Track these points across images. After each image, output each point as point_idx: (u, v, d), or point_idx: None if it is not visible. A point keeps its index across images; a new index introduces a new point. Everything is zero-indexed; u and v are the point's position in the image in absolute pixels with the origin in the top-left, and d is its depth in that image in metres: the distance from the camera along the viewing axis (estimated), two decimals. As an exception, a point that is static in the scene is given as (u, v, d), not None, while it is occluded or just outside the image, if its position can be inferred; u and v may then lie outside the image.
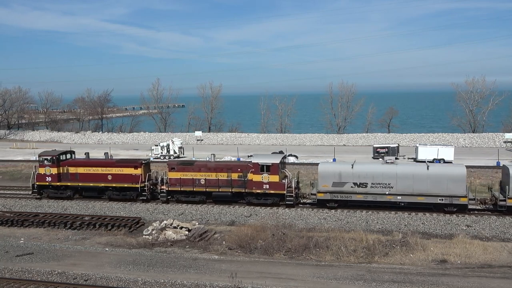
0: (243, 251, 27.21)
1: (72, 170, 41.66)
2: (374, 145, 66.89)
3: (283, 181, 37.02)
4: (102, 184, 40.50)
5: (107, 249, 28.42)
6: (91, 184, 40.80)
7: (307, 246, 26.94)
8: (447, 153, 58.69)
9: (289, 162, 61.72)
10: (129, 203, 40.04)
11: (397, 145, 65.12)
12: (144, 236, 30.73)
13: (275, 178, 36.67)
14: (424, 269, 23.65)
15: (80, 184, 41.22)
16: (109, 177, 40.40)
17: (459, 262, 24.81)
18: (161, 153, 68.97)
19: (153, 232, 30.85)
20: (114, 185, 40.25)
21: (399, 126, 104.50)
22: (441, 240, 28.81)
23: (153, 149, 69.98)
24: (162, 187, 39.33)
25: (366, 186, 35.07)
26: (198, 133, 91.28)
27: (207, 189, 38.14)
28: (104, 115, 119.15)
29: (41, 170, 41.90)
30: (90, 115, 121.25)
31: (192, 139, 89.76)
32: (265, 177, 36.71)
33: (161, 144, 70.11)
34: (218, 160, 42.83)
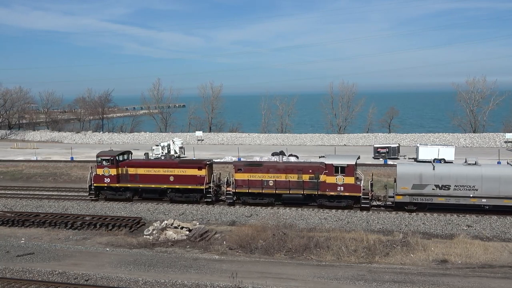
0: (244, 251, 27.21)
1: (131, 171, 40.23)
2: (375, 145, 66.89)
3: (358, 183, 35.77)
4: (165, 186, 39.31)
5: (107, 249, 28.44)
6: (153, 186, 39.65)
7: (307, 246, 26.94)
8: (448, 153, 58.68)
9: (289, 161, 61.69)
10: (130, 203, 40.06)
11: (397, 145, 65.14)
12: (144, 236, 30.75)
13: (350, 180, 35.37)
14: (425, 269, 23.65)
15: (141, 185, 40.02)
16: (171, 178, 39.06)
17: (459, 262, 24.80)
18: (162, 153, 68.88)
19: (154, 232, 30.86)
20: (177, 186, 38.98)
21: (399, 126, 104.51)
22: (441, 240, 28.80)
23: (153, 149, 69.95)
24: (228, 188, 37.95)
25: (448, 189, 33.80)
26: (199, 133, 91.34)
27: (276, 191, 36.85)
28: (104, 115, 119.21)
29: (99, 171, 40.51)
30: (91, 115, 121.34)
31: (193, 139, 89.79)
32: (339, 179, 35.44)
33: (162, 144, 70.12)
34: (287, 161, 40.97)
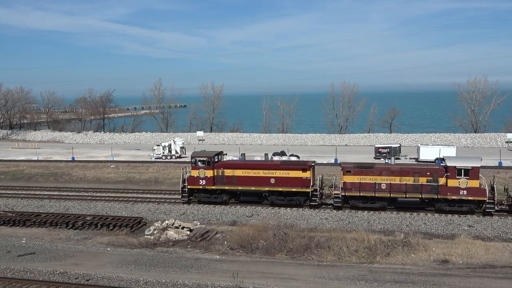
0: (245, 251, 27.20)
1: (228, 172, 37.99)
2: (376, 145, 66.92)
3: (482, 186, 33.75)
4: (266, 188, 37.17)
5: (108, 249, 28.44)
6: (253, 188, 37.47)
7: (308, 246, 26.92)
8: (449, 153, 58.54)
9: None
10: (131, 203, 40.07)
11: (398, 145, 65.13)
12: (145, 236, 30.74)
13: (474, 183, 33.35)
14: (426, 269, 23.62)
15: (239, 188, 37.87)
16: (272, 181, 37.01)
17: (461, 262, 24.77)
18: (163, 153, 69.04)
19: (155, 232, 30.85)
20: (280, 189, 36.86)
21: (400, 126, 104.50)
22: (443, 240, 28.77)
23: (154, 149, 70.07)
24: (336, 192, 36.03)
25: None
26: (200, 133, 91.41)
27: (391, 195, 34.94)
28: (105, 115, 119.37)
29: (194, 173, 38.43)
30: (92, 115, 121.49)
31: (194, 139, 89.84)
32: (462, 182, 33.41)
33: (163, 144, 70.19)
34: (401, 163, 38.60)
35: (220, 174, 38.16)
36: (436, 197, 34.22)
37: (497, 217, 32.96)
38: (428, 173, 34.61)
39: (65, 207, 39.99)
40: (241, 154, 41.89)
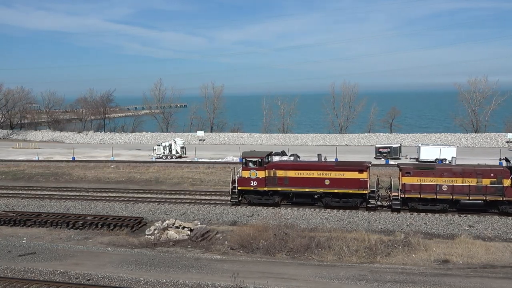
0: (245, 251, 27.20)
1: (280, 173, 36.84)
2: (376, 145, 66.92)
3: None
4: (321, 190, 36.03)
5: (109, 249, 28.45)
6: (307, 190, 36.34)
7: (309, 246, 26.93)
8: (449, 153, 58.58)
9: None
10: (131, 203, 40.08)
11: (399, 145, 65.12)
12: (146, 236, 30.76)
13: None
14: (426, 269, 23.62)
15: (292, 189, 36.73)
16: (327, 182, 35.91)
17: (461, 262, 24.77)
18: (163, 153, 69.05)
19: (155, 232, 30.87)
20: (335, 190, 35.74)
21: (401, 126, 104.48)
22: (443, 240, 28.77)
23: (155, 149, 70.07)
24: (395, 194, 35.12)
25: None
26: (200, 133, 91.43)
27: (453, 197, 33.85)
28: (106, 115, 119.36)
29: (245, 173, 37.30)
30: (93, 115, 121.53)
31: (194, 139, 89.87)
32: None
33: (163, 144, 70.20)
34: (462, 164, 37.77)
35: (272, 175, 37.05)
36: (501, 199, 33.39)
37: (497, 217, 32.95)
38: (492, 175, 33.80)
39: (66, 207, 40.01)
40: (293, 154, 40.72)
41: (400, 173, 35.39)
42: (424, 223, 32.37)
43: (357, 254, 25.69)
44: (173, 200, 40.80)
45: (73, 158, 69.16)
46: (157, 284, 22.15)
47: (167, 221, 32.06)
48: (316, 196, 36.56)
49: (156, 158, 68.21)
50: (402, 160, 61.53)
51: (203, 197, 42.23)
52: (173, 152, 69.18)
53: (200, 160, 65.29)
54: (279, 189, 37.08)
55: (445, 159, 57.96)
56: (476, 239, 28.33)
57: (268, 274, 23.14)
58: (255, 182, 37.13)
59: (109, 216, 35.59)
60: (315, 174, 36.34)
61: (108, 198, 42.21)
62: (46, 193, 46.01)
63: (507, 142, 74.24)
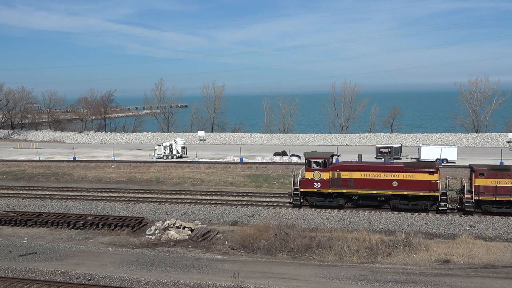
0: (246, 251, 27.21)
1: (345, 175, 35.48)
2: (377, 145, 66.87)
3: None
4: (389, 192, 34.66)
5: (110, 248, 28.47)
6: (374, 192, 35.04)
7: (309, 246, 26.92)
8: (450, 153, 58.64)
9: (292, 162, 61.77)
10: (132, 202, 40.09)
11: (400, 145, 65.08)
12: (147, 236, 30.77)
13: None
14: (427, 269, 23.61)
15: (359, 191, 35.35)
16: (394, 184, 34.54)
17: (462, 262, 24.75)
18: (164, 153, 69.07)
19: (156, 232, 30.88)
20: (404, 193, 34.38)
21: (402, 126, 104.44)
22: (444, 240, 28.75)
23: (156, 149, 70.08)
24: (468, 196, 33.85)
25: None
26: (201, 133, 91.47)
27: None
28: (107, 115, 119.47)
29: (308, 175, 35.85)
30: (93, 115, 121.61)
31: (195, 139, 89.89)
32: None
33: (164, 144, 70.21)
34: None
35: (336, 176, 35.62)
36: None
37: (498, 217, 32.91)
38: None
39: (67, 207, 40.02)
40: (358, 155, 39.22)
41: (473, 174, 33.99)
42: (425, 223, 32.34)
43: (358, 254, 25.68)
44: (174, 200, 40.81)
45: (74, 158, 69.20)
46: (158, 284, 22.15)
47: (167, 221, 32.07)
48: (382, 199, 35.44)
49: (156, 158, 68.22)
50: (403, 160, 61.51)
51: (203, 197, 42.23)
52: (174, 152, 69.19)
53: (200, 160, 65.29)
54: (344, 191, 35.64)
55: (446, 159, 57.95)
56: (477, 239, 28.30)
57: (269, 274, 23.14)
58: (318, 183, 35.73)
59: (110, 216, 35.60)
60: (382, 175, 35.03)
61: (108, 198, 42.22)
62: (47, 193, 46.03)
63: (508, 142, 74.20)
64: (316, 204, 36.25)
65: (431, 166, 35.44)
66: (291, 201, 37.22)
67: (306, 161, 36.61)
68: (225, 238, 29.81)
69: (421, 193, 34.21)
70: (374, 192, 35.14)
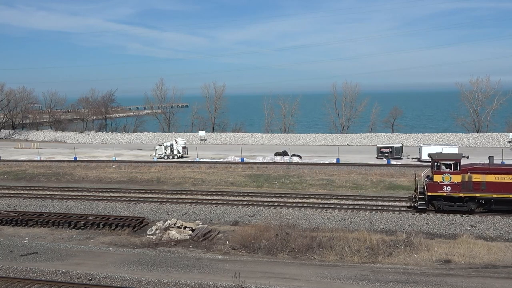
0: (247, 251, 27.20)
1: (476, 177, 33.16)
2: (378, 145, 66.90)
3: None
4: None
5: (111, 248, 28.47)
6: (511, 196, 32.62)
7: (310, 246, 26.91)
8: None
9: (293, 162, 61.76)
10: (133, 202, 40.09)
11: (401, 145, 65.10)
12: (148, 236, 30.77)
13: None
14: (428, 269, 23.59)
15: (493, 195, 32.83)
16: None
17: (463, 262, 24.73)
18: (165, 153, 69.11)
19: (157, 231, 30.88)
20: None
21: (403, 126, 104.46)
22: (445, 240, 28.71)
23: (156, 149, 70.14)
24: None
25: None
26: (202, 133, 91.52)
27: None
28: (108, 115, 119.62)
29: (437, 178, 33.45)
30: (94, 115, 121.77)
31: (196, 139, 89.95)
32: None
33: (165, 144, 70.28)
34: None
35: (467, 179, 33.40)
36: None
37: (499, 217, 32.88)
38: None
39: (67, 207, 40.05)
40: (489, 157, 37.21)
41: None
42: (426, 223, 32.32)
43: (359, 254, 25.66)
44: (175, 200, 40.81)
45: (75, 158, 69.25)
46: (159, 284, 22.16)
47: (168, 221, 32.07)
48: None
49: (157, 158, 68.27)
50: (404, 160, 61.50)
51: (204, 197, 42.24)
52: (175, 152, 69.24)
53: (201, 160, 65.31)
54: (477, 195, 33.23)
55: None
56: (478, 239, 28.25)
57: (270, 274, 23.13)
58: (448, 187, 33.35)
59: (110, 216, 35.60)
60: None
61: (109, 198, 42.24)
62: (48, 193, 46.06)
63: (509, 142, 74.16)
64: (444, 209, 33.96)
65: None
66: (412, 205, 35.19)
67: (435, 163, 33.92)
68: (226, 238, 29.80)
69: None
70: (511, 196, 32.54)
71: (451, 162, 33.41)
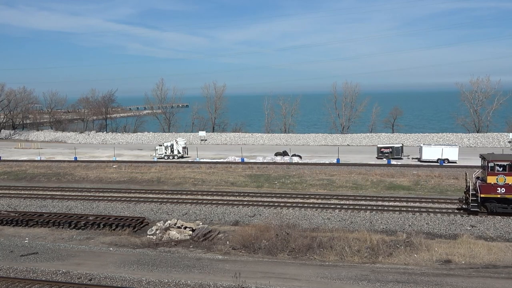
0: (247, 251, 27.20)
1: None
2: (378, 145, 66.89)
3: None
4: None
5: (111, 248, 28.48)
6: None
7: (311, 246, 26.91)
8: (452, 153, 58.61)
9: (293, 162, 61.77)
10: (133, 203, 40.10)
11: (401, 145, 65.10)
12: (148, 236, 30.77)
13: None
14: (428, 269, 23.58)
15: None
16: None
17: (463, 262, 24.72)
18: (165, 153, 69.13)
19: (157, 232, 30.88)
20: None
21: (403, 126, 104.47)
22: (445, 240, 28.71)
23: (157, 149, 70.16)
24: None
25: None
26: (202, 133, 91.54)
27: None
28: (108, 115, 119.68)
29: (491, 179, 32.87)
30: (95, 115, 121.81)
31: (196, 139, 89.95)
32: None
33: (165, 144, 70.30)
34: None
35: None
36: None
37: (499, 217, 32.88)
38: None
39: (68, 207, 40.06)
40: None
41: None
42: (426, 223, 32.32)
43: (359, 254, 25.66)
44: (175, 200, 40.82)
45: (75, 158, 69.27)
46: (159, 284, 22.16)
47: (169, 221, 32.08)
48: None
49: (158, 158, 68.28)
50: (404, 160, 61.51)
51: (204, 197, 42.25)
52: (175, 152, 69.25)
53: (201, 160, 65.33)
54: None
55: (447, 159, 57.91)
56: (478, 239, 28.26)
57: (270, 274, 23.14)
58: (503, 189, 32.70)
59: (111, 216, 35.61)
60: None
61: (110, 198, 42.25)
62: (48, 193, 46.08)
63: (509, 142, 74.15)
64: (497, 211, 33.24)
65: None
66: (462, 206, 34.94)
67: (490, 164, 33.18)
68: (226, 238, 29.81)
69: None
70: None
71: (506, 163, 32.77)
